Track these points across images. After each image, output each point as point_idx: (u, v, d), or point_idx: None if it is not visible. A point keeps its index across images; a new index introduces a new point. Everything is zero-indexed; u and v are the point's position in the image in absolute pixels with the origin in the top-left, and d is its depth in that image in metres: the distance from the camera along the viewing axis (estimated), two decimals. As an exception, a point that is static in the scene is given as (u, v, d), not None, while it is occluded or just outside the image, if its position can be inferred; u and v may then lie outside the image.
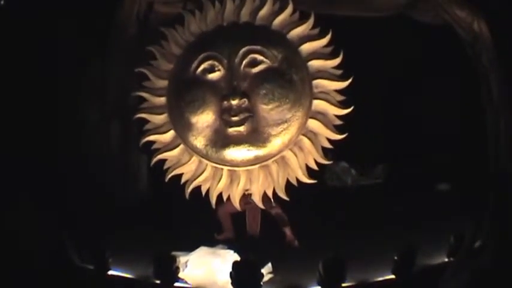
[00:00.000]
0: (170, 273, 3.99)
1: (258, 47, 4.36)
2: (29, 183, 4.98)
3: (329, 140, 4.46)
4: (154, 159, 4.65)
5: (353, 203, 5.85)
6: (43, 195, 4.91)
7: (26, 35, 5.41)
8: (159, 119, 4.66)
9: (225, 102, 4.32)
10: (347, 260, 3.83)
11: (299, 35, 4.50)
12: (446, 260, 4.29)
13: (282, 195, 4.44)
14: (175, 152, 4.61)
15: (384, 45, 5.82)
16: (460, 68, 5.73)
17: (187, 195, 4.55)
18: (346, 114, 4.48)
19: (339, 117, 4.46)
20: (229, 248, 4.35)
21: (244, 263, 3.83)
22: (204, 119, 4.41)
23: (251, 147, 4.38)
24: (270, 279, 4.05)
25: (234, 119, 4.33)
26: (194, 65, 4.44)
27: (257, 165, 4.44)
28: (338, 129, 4.46)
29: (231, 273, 3.79)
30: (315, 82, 4.43)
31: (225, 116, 4.35)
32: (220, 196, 4.56)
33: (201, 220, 4.91)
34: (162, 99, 4.66)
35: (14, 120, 5.37)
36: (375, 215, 5.25)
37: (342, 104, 4.45)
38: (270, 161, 4.43)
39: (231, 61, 4.36)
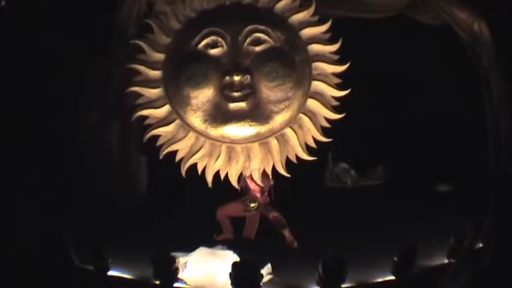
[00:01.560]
0: (170, 273, 3.97)
1: (263, 27, 4.46)
2: (29, 184, 4.99)
3: (327, 120, 4.55)
4: (148, 135, 4.55)
5: (353, 204, 5.85)
6: (43, 195, 4.91)
7: (27, 35, 5.41)
8: (154, 92, 4.59)
9: (227, 78, 4.35)
10: (347, 261, 3.82)
11: (300, 20, 4.61)
12: (446, 261, 4.28)
13: (282, 171, 4.47)
14: (170, 128, 4.54)
15: (383, 46, 5.81)
16: (460, 68, 5.72)
17: (183, 174, 4.50)
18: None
19: (336, 98, 4.58)
20: (229, 248, 4.35)
21: (243, 264, 3.81)
22: (205, 94, 4.42)
23: (253, 123, 4.43)
24: (269, 280, 4.05)
25: (236, 94, 4.37)
26: (196, 40, 4.47)
27: (257, 142, 4.48)
28: (335, 109, 4.56)
29: (230, 274, 3.78)
30: (314, 64, 4.56)
31: (226, 91, 4.37)
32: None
33: (200, 221, 4.91)
34: (158, 73, 4.60)
35: (14, 121, 5.37)
36: (375, 216, 5.26)
37: (339, 86, 4.57)
38: (270, 138, 4.48)
39: (235, 38, 4.43)
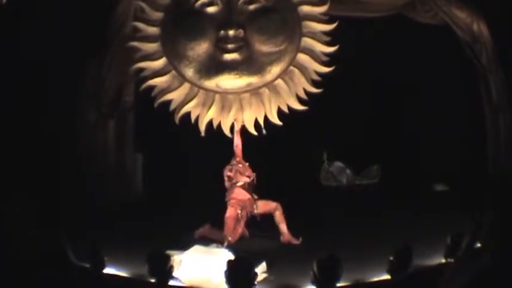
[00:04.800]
0: (165, 271, 3.98)
1: None
2: (28, 184, 5.01)
3: (317, 73, 4.72)
4: (144, 86, 4.75)
5: (348, 203, 5.84)
6: (41, 195, 4.93)
7: (25, 34, 5.43)
8: (151, 47, 4.80)
9: (222, 32, 4.60)
10: (342, 260, 3.80)
11: None
12: (443, 260, 4.25)
13: (274, 120, 4.63)
14: (165, 78, 4.74)
15: (381, 46, 5.81)
16: (460, 68, 5.71)
17: (176, 122, 4.67)
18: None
19: (325, 54, 4.75)
20: (224, 246, 4.36)
21: (238, 262, 3.81)
22: (201, 46, 4.65)
23: (245, 73, 4.64)
24: (264, 279, 4.04)
25: (230, 46, 4.61)
26: None
27: (249, 92, 4.67)
28: (325, 64, 4.73)
29: (225, 272, 3.78)
30: (304, 23, 4.77)
31: (220, 44, 4.62)
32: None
33: (195, 218, 4.92)
34: (156, 29, 4.81)
35: (12, 121, 5.39)
36: (371, 215, 5.25)
37: (327, 43, 4.75)
38: (262, 89, 4.68)
39: None
